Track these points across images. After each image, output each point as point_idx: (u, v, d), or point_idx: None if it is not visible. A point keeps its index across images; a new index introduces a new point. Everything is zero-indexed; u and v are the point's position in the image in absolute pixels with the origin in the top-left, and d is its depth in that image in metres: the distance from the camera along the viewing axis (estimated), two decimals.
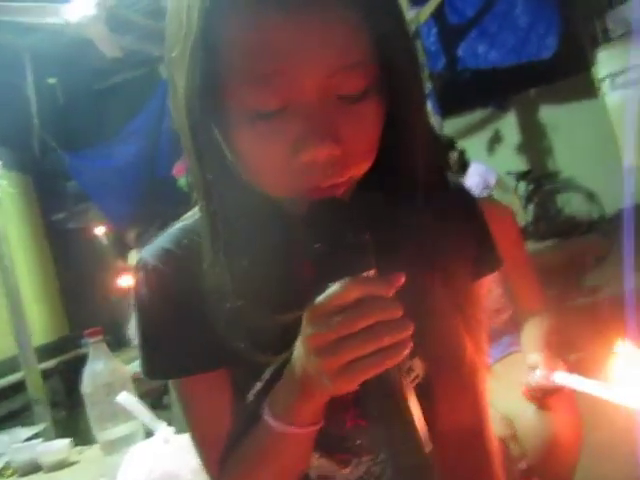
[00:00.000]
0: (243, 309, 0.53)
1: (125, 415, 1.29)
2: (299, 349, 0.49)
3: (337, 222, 0.47)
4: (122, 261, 5.40)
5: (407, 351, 0.45)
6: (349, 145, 0.48)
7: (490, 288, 1.41)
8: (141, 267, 0.60)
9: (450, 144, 4.02)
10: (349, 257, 0.46)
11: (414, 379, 0.60)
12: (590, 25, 5.45)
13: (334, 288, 0.45)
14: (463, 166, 4.17)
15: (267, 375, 0.59)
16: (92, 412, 1.36)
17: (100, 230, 6.04)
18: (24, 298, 3.55)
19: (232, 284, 0.52)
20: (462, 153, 4.22)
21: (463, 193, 0.66)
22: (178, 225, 0.62)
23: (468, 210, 0.64)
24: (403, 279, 0.46)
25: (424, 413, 0.49)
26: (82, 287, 5.53)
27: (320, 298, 0.45)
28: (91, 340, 1.36)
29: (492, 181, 4.33)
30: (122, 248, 5.42)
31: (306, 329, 0.47)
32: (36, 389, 3.06)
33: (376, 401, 0.47)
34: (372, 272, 0.46)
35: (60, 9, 2.99)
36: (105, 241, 6.08)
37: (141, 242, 5.23)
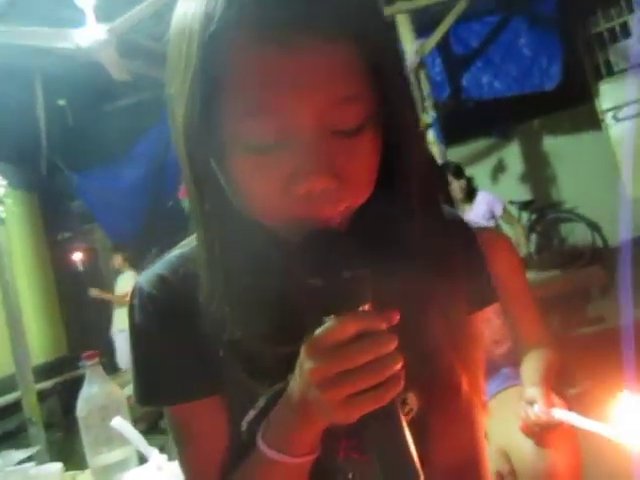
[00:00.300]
0: (241, 339, 0.53)
1: (120, 440, 1.28)
2: (297, 380, 0.50)
3: (332, 255, 0.47)
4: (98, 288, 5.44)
5: (402, 384, 0.46)
6: (345, 177, 0.48)
7: (489, 319, 1.40)
8: (137, 293, 0.60)
9: (458, 171, 4.04)
10: (344, 291, 0.46)
11: (408, 412, 0.60)
12: (593, 57, 5.52)
13: (332, 323, 0.45)
14: (471, 193, 4.16)
15: (261, 403, 0.59)
16: (86, 436, 1.34)
17: (77, 256, 6.09)
18: (24, 316, 3.56)
19: (230, 314, 0.53)
20: (470, 180, 4.22)
21: (460, 225, 0.66)
22: (175, 252, 0.62)
23: (465, 243, 0.64)
24: (398, 317, 0.47)
25: (418, 447, 0.48)
26: (83, 307, 5.52)
27: (318, 332, 0.46)
28: (88, 363, 1.36)
29: (499, 211, 4.31)
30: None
31: (306, 363, 0.47)
32: (32, 409, 3.04)
33: (374, 432, 0.47)
34: (367, 305, 0.47)
35: (72, 34, 3.05)
36: (81, 267, 6.10)
37: (129, 265, 5.28)
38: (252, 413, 0.59)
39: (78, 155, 5.09)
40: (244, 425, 0.59)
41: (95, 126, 5.03)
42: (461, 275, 0.58)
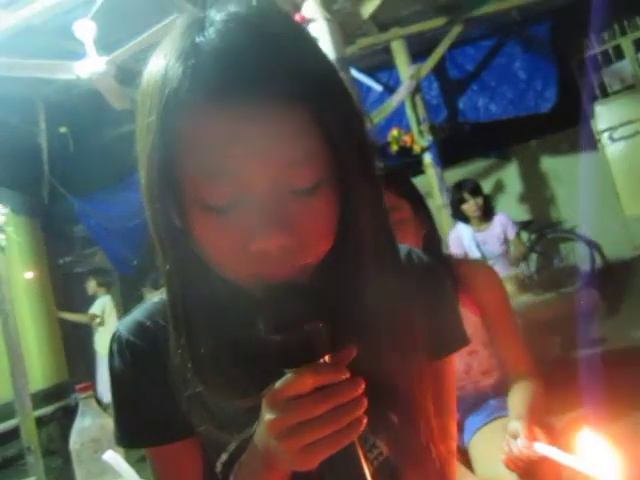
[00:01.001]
0: (203, 393, 0.54)
1: (112, 473, 1.28)
2: (260, 429, 0.51)
3: (291, 308, 0.48)
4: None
5: (363, 427, 0.47)
6: (302, 235, 0.50)
7: (477, 351, 1.40)
8: (116, 339, 0.62)
9: (475, 188, 4.00)
10: (303, 344, 0.47)
11: (377, 456, 0.61)
12: (587, 80, 5.58)
13: (290, 376, 0.47)
14: (488, 212, 4.10)
15: (232, 447, 0.60)
16: (79, 469, 1.35)
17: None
18: (25, 342, 3.56)
19: (192, 369, 0.54)
20: (487, 198, 4.18)
21: (426, 272, 0.67)
22: (154, 298, 0.64)
23: (430, 288, 0.65)
24: (355, 352, 0.49)
25: None
26: (84, 333, 5.52)
27: (277, 385, 0.47)
28: (81, 395, 1.36)
29: (511, 235, 4.27)
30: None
31: (266, 414, 0.48)
32: (30, 437, 3.03)
33: (335, 476, 0.49)
34: (327, 357, 0.48)
35: (72, 66, 3.11)
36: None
37: (105, 290, 5.29)
38: (225, 456, 0.61)
39: (79, 181, 5.14)
40: (218, 467, 0.62)
41: (96, 152, 5.09)
42: (427, 322, 0.58)
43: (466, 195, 4.02)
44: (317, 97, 0.48)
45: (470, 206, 4.02)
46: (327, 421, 0.46)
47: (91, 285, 5.38)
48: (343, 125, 0.50)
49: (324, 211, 0.51)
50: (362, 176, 0.53)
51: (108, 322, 5.17)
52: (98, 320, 5.17)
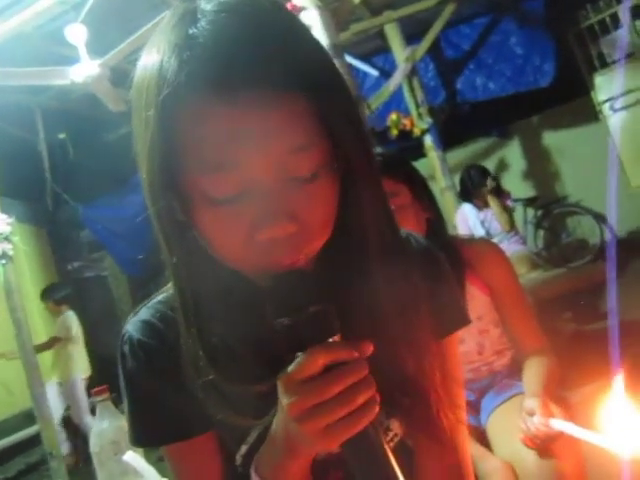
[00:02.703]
0: (216, 381, 0.55)
1: (134, 473, 1.29)
2: (279, 415, 0.52)
3: (298, 294, 0.49)
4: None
5: (377, 407, 0.47)
6: (305, 222, 0.50)
7: (487, 330, 1.40)
8: (127, 341, 0.63)
9: (483, 172, 4.32)
10: (313, 326, 0.48)
11: (392, 438, 0.61)
12: (585, 51, 5.52)
13: (301, 358, 0.47)
14: (497, 192, 4.36)
15: (252, 438, 0.61)
16: (101, 472, 1.36)
17: None
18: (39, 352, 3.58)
19: (204, 358, 0.55)
20: (495, 179, 4.46)
21: (425, 254, 0.67)
22: (159, 297, 0.65)
23: (431, 271, 0.65)
24: (371, 348, 0.49)
25: (407, 471, 0.50)
26: (97, 336, 5.55)
27: (290, 368, 0.47)
28: (98, 398, 1.38)
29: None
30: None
31: (283, 398, 0.49)
32: (51, 443, 3.06)
33: (358, 459, 0.49)
34: (337, 337, 0.48)
35: (66, 71, 3.11)
36: None
37: (66, 306, 4.77)
38: (244, 447, 0.61)
39: (81, 186, 5.15)
40: (238, 459, 0.62)
41: (96, 156, 5.10)
42: (425, 302, 0.59)
43: (489, 181, 4.35)
44: (313, 84, 0.48)
45: (489, 190, 4.32)
46: (342, 401, 0.46)
47: (49, 307, 4.84)
48: (340, 111, 0.51)
49: (326, 197, 0.52)
50: (361, 162, 0.53)
51: (79, 340, 4.78)
52: (61, 343, 4.66)
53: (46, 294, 4.88)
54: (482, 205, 4.39)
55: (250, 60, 0.46)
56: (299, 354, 0.48)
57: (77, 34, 3.08)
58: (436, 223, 1.37)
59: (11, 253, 3.11)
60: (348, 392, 0.46)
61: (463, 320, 0.69)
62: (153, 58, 0.50)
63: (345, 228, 0.55)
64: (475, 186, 4.37)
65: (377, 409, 0.48)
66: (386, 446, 0.49)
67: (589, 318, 3.93)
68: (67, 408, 4.85)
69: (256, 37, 0.47)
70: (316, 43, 0.53)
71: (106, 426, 1.35)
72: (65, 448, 4.65)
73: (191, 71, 0.47)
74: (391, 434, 0.62)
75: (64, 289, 5.00)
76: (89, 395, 4.62)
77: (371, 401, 0.47)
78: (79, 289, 6.29)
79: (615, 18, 5.35)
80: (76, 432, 4.78)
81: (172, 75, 0.47)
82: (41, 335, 4.93)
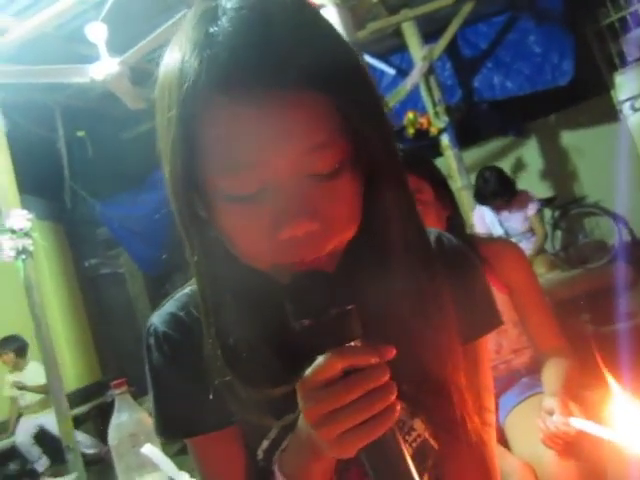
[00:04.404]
0: (232, 382, 0.55)
1: (151, 466, 1.30)
2: (301, 417, 0.52)
3: (320, 295, 0.48)
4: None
5: (396, 415, 0.46)
6: (327, 219, 0.49)
7: (506, 329, 1.39)
8: (152, 333, 0.63)
9: (499, 172, 4.34)
10: (333, 329, 0.47)
11: (415, 438, 0.61)
12: (605, 49, 5.44)
13: (319, 362, 0.46)
14: (510, 191, 4.38)
15: (274, 433, 0.61)
16: (119, 464, 1.37)
17: None
18: (57, 345, 3.63)
19: (222, 359, 0.55)
20: (509, 180, 4.49)
21: (455, 255, 0.66)
22: (186, 290, 0.65)
23: (460, 272, 0.64)
24: (394, 352, 0.48)
25: (431, 473, 0.49)
26: (114, 332, 5.61)
27: (308, 372, 0.47)
28: (116, 391, 1.39)
29: (531, 212, 4.51)
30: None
31: (301, 403, 0.48)
32: (68, 437, 3.09)
33: (374, 465, 0.48)
34: (358, 341, 0.47)
35: (86, 69, 3.14)
36: None
37: (23, 362, 4.59)
38: (266, 443, 0.61)
39: (99, 184, 5.20)
40: (260, 454, 0.62)
41: (114, 154, 5.14)
42: (451, 303, 0.58)
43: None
44: (336, 82, 0.48)
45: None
46: (360, 407, 0.45)
47: (8, 359, 4.60)
48: (364, 109, 0.50)
49: (347, 195, 0.51)
50: (385, 159, 0.52)
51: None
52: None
53: (3, 348, 4.64)
54: (499, 208, 4.37)
55: (270, 59, 0.46)
56: (318, 357, 0.47)
57: (97, 32, 3.11)
58: (455, 221, 1.37)
59: (31, 249, 3.15)
60: (367, 398, 0.45)
61: (496, 321, 0.68)
62: (175, 57, 0.50)
63: (370, 228, 0.54)
64: (490, 193, 4.35)
65: (396, 416, 0.46)
66: (405, 452, 0.48)
67: (607, 319, 3.88)
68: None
69: (277, 35, 0.47)
70: (339, 39, 0.52)
71: (124, 419, 1.36)
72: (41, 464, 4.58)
73: (211, 69, 0.47)
74: (414, 434, 0.61)
75: (18, 340, 4.69)
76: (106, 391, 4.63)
77: (390, 408, 0.46)
78: (96, 286, 6.36)
79: (636, 16, 5.26)
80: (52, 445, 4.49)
81: (192, 74, 0.47)
82: (59, 331, 4.98)
